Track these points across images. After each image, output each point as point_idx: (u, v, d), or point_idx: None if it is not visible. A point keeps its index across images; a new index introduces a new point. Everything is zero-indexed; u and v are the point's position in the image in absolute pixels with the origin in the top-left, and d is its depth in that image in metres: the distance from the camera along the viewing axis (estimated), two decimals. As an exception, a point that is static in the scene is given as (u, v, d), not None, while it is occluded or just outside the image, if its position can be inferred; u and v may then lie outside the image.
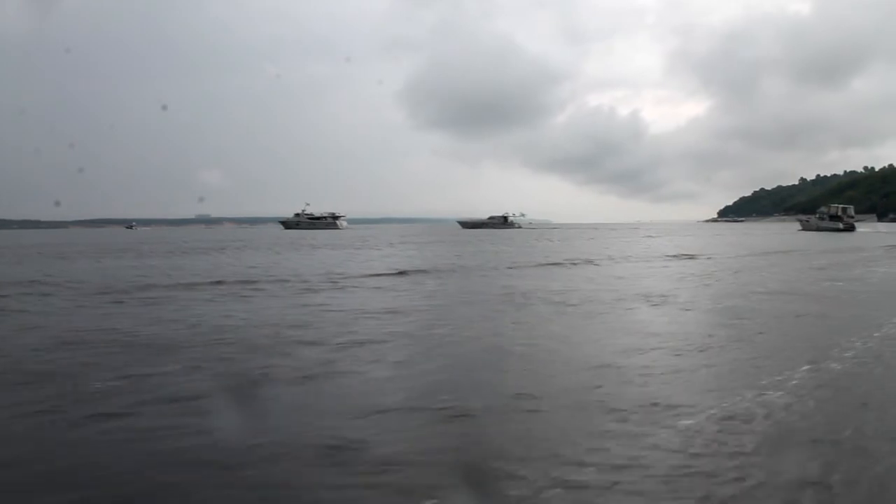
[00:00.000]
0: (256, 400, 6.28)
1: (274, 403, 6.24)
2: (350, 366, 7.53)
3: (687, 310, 12.26)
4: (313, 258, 30.93)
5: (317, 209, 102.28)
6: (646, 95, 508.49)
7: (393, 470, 4.41)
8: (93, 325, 10.55)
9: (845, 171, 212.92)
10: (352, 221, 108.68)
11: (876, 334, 9.33)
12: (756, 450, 4.66)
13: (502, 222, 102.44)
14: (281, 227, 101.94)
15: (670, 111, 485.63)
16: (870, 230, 72.09)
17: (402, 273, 20.75)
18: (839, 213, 74.31)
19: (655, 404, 5.77)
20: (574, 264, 24.97)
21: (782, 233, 69.85)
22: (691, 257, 28.38)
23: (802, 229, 77.67)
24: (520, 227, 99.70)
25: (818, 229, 72.39)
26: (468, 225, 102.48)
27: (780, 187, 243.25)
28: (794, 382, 6.45)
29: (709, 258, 28.00)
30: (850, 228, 70.31)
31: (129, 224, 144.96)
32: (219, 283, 17.81)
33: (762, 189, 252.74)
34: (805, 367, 7.09)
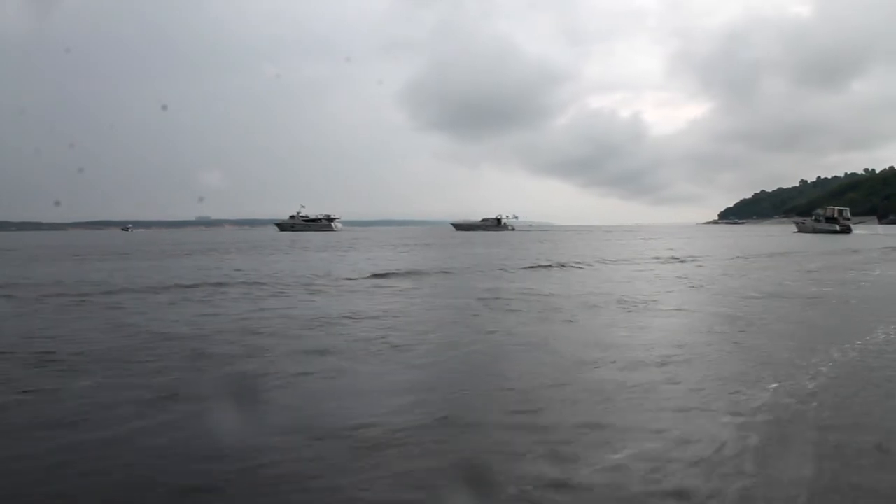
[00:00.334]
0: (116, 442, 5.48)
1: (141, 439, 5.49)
2: (270, 383, 6.82)
3: (663, 317, 11.58)
4: (299, 261, 30.31)
5: (317, 211, 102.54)
6: (647, 97, 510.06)
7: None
8: (23, 331, 9.92)
9: (846, 174, 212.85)
10: (351, 223, 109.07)
11: (858, 343, 8.66)
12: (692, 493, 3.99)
13: (495, 224, 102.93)
14: (276, 229, 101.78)
15: (671, 113, 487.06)
16: (867, 232, 71.70)
17: (380, 276, 20.11)
18: (835, 216, 74.26)
19: (590, 427, 5.11)
20: (562, 267, 24.30)
21: (778, 235, 69.14)
22: (681, 260, 27.65)
23: (798, 231, 77.45)
24: (513, 230, 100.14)
25: (814, 231, 72.32)
26: (462, 227, 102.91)
27: (780, 189, 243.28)
28: (755, 405, 5.77)
29: (700, 261, 27.28)
30: (847, 230, 70.22)
31: (125, 226, 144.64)
32: (194, 286, 17.25)
33: (763, 191, 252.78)
34: (772, 386, 6.40)
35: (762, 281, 17.96)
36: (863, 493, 4.07)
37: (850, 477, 4.29)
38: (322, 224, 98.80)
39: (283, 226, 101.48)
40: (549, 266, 24.52)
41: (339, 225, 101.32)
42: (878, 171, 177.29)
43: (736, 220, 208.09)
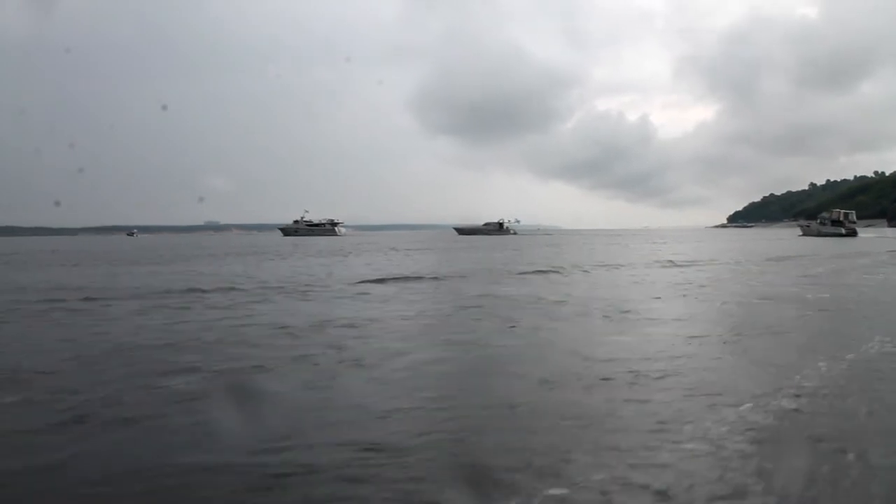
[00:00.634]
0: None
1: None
2: (193, 405, 6.26)
3: (645, 326, 10.95)
4: (294, 266, 29.89)
5: (325, 215, 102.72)
6: (654, 100, 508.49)
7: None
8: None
9: (855, 176, 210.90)
10: (358, 228, 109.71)
11: (849, 356, 8.02)
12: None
13: (498, 228, 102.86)
14: (281, 234, 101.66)
15: (678, 116, 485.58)
16: (873, 235, 70.85)
17: (370, 281, 19.61)
18: (841, 219, 73.75)
19: (535, 456, 4.53)
20: (556, 272, 23.67)
21: (782, 239, 68.17)
22: (679, 265, 26.93)
23: (803, 235, 76.68)
24: (515, 234, 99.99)
25: (819, 234, 71.56)
26: (465, 231, 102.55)
27: (789, 193, 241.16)
28: (721, 430, 5.16)
29: (699, 265, 26.57)
30: (853, 234, 69.63)
31: (130, 231, 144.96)
32: (166, 292, 16.84)
33: (771, 194, 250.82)
34: (746, 406, 5.79)
35: (759, 287, 17.30)
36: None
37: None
38: (326, 229, 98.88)
39: (286, 231, 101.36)
40: (545, 272, 23.90)
41: (343, 230, 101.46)
42: (888, 174, 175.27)
43: (745, 224, 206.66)
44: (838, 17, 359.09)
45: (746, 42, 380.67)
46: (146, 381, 7.08)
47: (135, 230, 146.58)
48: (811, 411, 5.78)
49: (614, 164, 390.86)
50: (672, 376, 7.14)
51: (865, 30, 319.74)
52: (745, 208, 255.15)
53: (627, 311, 12.41)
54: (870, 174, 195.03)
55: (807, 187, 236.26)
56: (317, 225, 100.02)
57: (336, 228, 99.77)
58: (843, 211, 76.82)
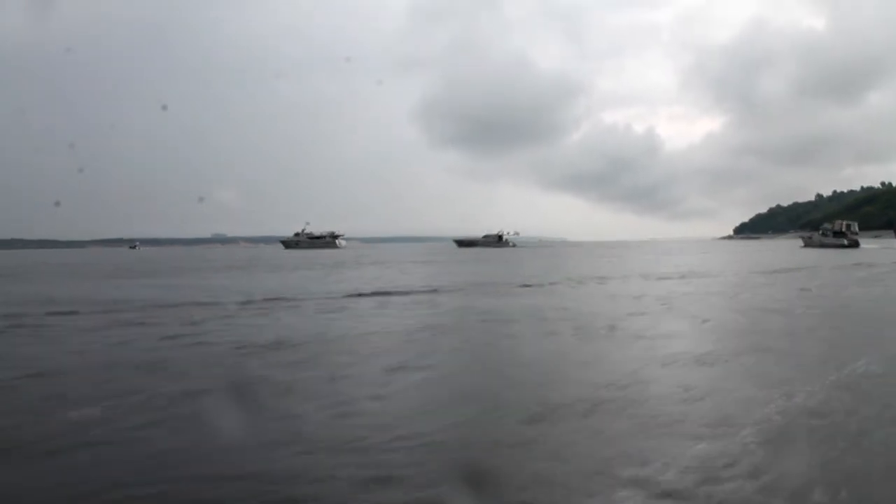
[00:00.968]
0: None
1: None
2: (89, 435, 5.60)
3: (619, 346, 10.29)
4: (281, 279, 29.42)
5: (335, 227, 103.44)
6: (660, 112, 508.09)
7: None
8: None
9: (862, 187, 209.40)
10: (366, 240, 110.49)
11: (832, 378, 7.33)
12: None
13: (496, 241, 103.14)
14: (282, 246, 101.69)
15: (685, 128, 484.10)
16: (876, 246, 69.97)
17: (349, 296, 19.04)
18: (843, 230, 73.20)
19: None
20: (547, 286, 23.02)
21: (784, 251, 67.20)
22: (671, 278, 26.21)
23: (805, 246, 75.91)
24: (514, 246, 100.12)
25: (821, 246, 70.93)
26: (464, 243, 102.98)
27: (795, 204, 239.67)
28: (668, 475, 4.48)
29: (692, 277, 25.82)
30: (855, 245, 68.98)
31: (132, 244, 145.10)
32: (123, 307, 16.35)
33: (778, 206, 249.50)
34: (701, 446, 5.11)
35: (749, 301, 16.55)
36: None
37: None
38: (327, 241, 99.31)
39: (288, 243, 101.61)
40: (530, 286, 23.24)
41: (344, 242, 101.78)
42: (894, 185, 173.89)
43: (751, 235, 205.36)
44: (845, 29, 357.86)
45: (753, 54, 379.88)
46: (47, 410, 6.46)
47: (137, 243, 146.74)
48: (775, 450, 5.08)
49: (621, 176, 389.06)
50: (634, 405, 6.43)
51: (872, 41, 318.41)
52: (751, 220, 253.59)
53: (605, 328, 11.72)
54: (877, 185, 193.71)
55: (813, 198, 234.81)
56: (318, 237, 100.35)
57: (337, 241, 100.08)
58: (844, 222, 76.27)
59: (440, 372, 8.29)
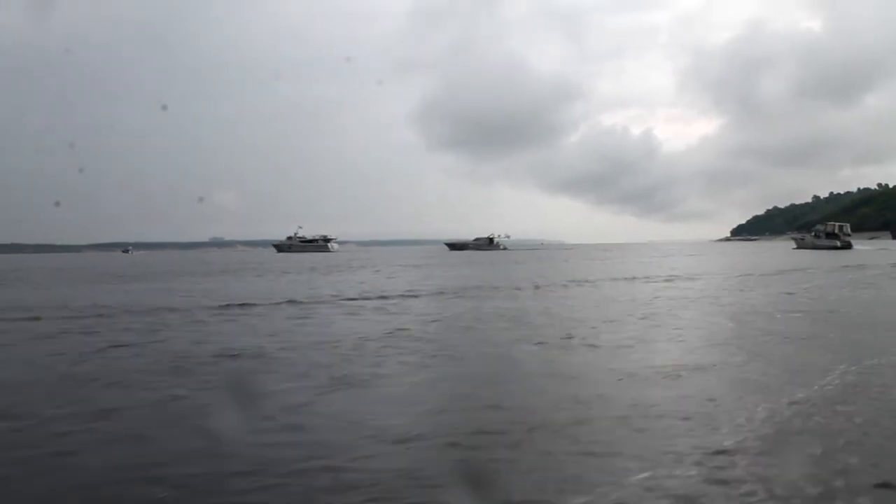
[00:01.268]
0: None
1: None
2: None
3: (581, 356, 9.66)
4: (263, 284, 28.86)
5: (331, 231, 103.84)
6: (658, 114, 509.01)
7: None
8: None
9: (859, 189, 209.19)
10: (363, 243, 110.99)
11: (799, 395, 6.69)
12: None
13: (487, 244, 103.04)
14: (275, 250, 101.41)
15: (683, 130, 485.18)
16: (869, 248, 69.68)
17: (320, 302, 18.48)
18: (836, 231, 72.96)
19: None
20: (525, 289, 22.42)
21: (777, 252, 66.59)
22: (654, 280, 25.57)
23: (798, 248, 75.51)
24: (505, 249, 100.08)
25: (814, 247, 70.60)
26: (455, 247, 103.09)
27: (793, 205, 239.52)
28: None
29: (678, 280, 25.19)
30: (847, 246, 68.65)
31: (125, 248, 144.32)
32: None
33: (775, 207, 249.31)
34: (642, 476, 4.49)
35: (729, 306, 15.91)
36: None
37: None
38: (319, 245, 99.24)
39: (280, 247, 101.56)
40: (509, 288, 22.69)
41: (336, 246, 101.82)
42: (891, 186, 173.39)
43: (748, 237, 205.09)
44: (843, 31, 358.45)
45: (750, 55, 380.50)
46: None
47: (130, 247, 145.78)
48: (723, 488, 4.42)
49: (619, 178, 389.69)
50: (568, 431, 5.75)
51: (870, 43, 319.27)
52: (748, 221, 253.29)
53: (569, 337, 11.06)
54: (873, 186, 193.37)
55: (810, 200, 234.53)
56: (310, 241, 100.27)
57: (329, 245, 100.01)
58: (837, 223, 76.15)
59: (378, 390, 7.65)
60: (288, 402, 6.83)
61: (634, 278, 27.11)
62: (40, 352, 10.55)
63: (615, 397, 6.90)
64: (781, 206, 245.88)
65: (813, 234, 76.72)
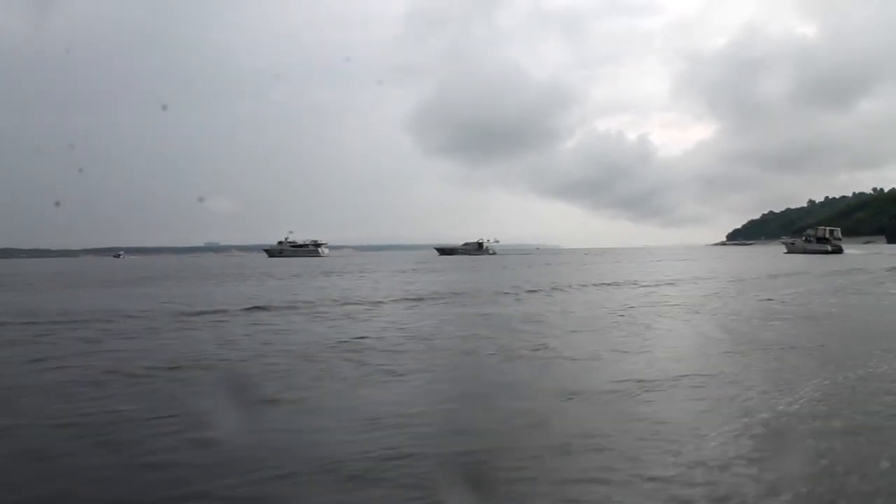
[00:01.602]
0: None
1: None
2: None
3: (529, 373, 9.01)
4: (244, 289, 28.25)
5: (327, 236, 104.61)
6: (654, 119, 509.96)
7: None
8: None
9: (854, 193, 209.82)
10: (360, 248, 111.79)
11: (762, 415, 6.05)
12: None
13: (476, 248, 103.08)
14: (266, 255, 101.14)
15: (678, 135, 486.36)
16: (860, 252, 69.61)
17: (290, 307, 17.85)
18: (826, 236, 72.87)
19: None
20: (509, 295, 21.79)
21: (766, 257, 66.12)
22: (638, 285, 24.94)
23: (788, 252, 75.25)
24: (494, 253, 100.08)
25: (805, 252, 70.41)
26: (445, 251, 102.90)
27: (788, 210, 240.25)
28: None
29: (660, 286, 24.58)
30: (838, 251, 68.46)
31: (116, 253, 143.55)
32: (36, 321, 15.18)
33: (771, 212, 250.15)
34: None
35: (709, 314, 15.29)
36: None
37: None
38: (309, 250, 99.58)
39: (271, 252, 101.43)
40: (486, 295, 22.08)
41: (327, 251, 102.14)
42: (886, 191, 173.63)
43: (744, 242, 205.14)
44: (837, 35, 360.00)
45: (745, 60, 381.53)
46: None
47: (122, 252, 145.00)
48: None
49: (615, 183, 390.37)
50: (505, 458, 5.12)
51: (865, 47, 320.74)
52: (744, 226, 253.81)
53: (532, 346, 10.41)
54: (869, 191, 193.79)
55: (806, 204, 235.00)
56: (301, 246, 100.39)
57: (319, 249, 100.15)
58: (828, 228, 76.05)
59: (307, 406, 6.98)
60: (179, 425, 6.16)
61: (622, 283, 26.52)
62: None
63: (557, 418, 6.25)
64: (777, 210, 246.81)
65: (804, 238, 76.58)
